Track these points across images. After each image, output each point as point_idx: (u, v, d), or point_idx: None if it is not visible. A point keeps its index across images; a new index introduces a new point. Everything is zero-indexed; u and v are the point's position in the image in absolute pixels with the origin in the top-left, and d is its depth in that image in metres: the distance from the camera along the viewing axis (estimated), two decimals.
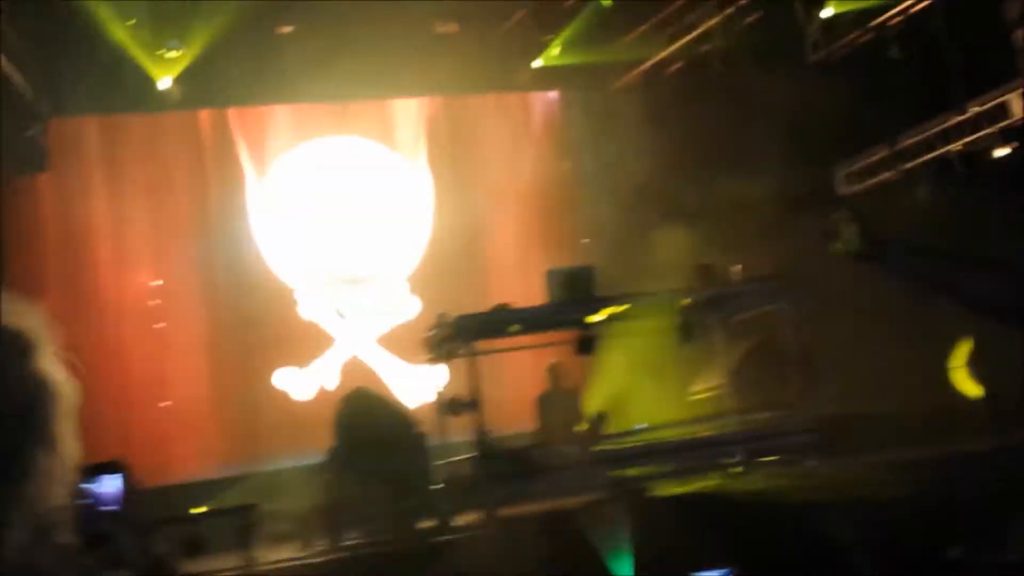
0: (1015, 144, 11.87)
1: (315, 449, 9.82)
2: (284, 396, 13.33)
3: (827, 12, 12.66)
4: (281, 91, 13.74)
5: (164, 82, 12.88)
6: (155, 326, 12.93)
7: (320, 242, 13.94)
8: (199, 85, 13.09)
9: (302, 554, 8.73)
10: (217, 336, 13.21)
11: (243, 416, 12.78)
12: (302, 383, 13.40)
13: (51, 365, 1.75)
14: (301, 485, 10.19)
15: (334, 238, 14.00)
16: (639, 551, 7.69)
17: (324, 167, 14.25)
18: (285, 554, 8.71)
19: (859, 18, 13.07)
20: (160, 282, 13.07)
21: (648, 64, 14.27)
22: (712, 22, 13.36)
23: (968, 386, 10.85)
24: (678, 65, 14.23)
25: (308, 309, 13.61)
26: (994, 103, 11.99)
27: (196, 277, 13.22)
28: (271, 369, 13.38)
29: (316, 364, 13.59)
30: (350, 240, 14.06)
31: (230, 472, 11.98)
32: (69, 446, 1.74)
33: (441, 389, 10.35)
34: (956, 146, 12.35)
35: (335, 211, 14.11)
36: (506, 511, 9.13)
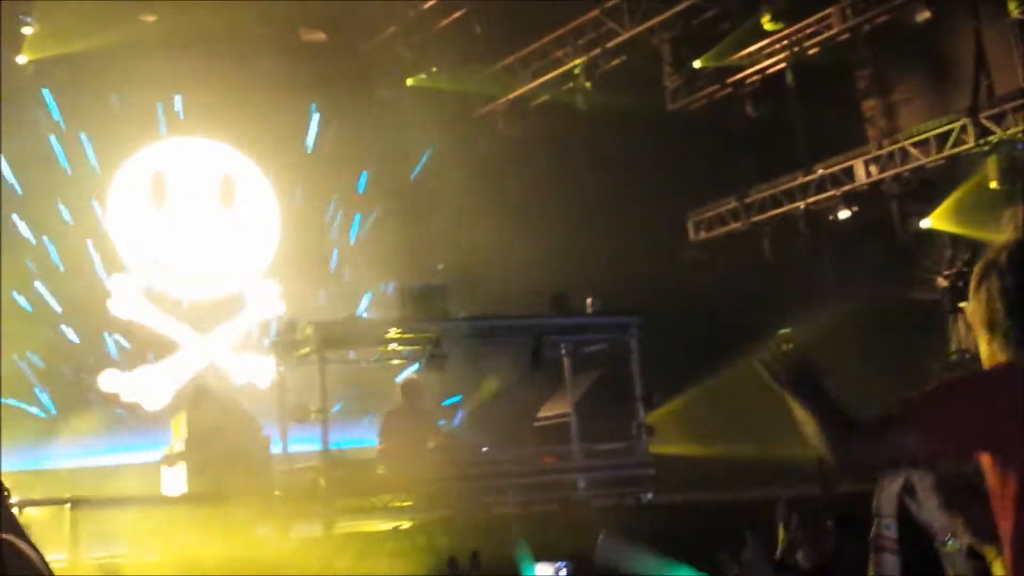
0: (855, 208, 12.49)
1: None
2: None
3: (696, 64, 13.13)
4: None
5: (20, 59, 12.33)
6: None
7: (170, 239, 13.46)
8: (52, 63, 12.51)
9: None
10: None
11: None
12: (133, 386, 12.86)
13: None
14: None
15: (184, 236, 13.52)
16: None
17: (175, 165, 13.75)
18: (116, 551, 8.34)
19: (718, 73, 13.57)
20: None
21: (511, 96, 14.32)
22: (577, 61, 13.49)
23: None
24: (541, 100, 14.35)
25: (124, 308, 12.98)
26: (839, 167, 12.60)
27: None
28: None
29: (149, 369, 13.08)
30: (199, 239, 13.61)
31: None
32: None
33: (285, 395, 10.12)
34: (800, 204, 12.91)
35: (186, 210, 13.65)
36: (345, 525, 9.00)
